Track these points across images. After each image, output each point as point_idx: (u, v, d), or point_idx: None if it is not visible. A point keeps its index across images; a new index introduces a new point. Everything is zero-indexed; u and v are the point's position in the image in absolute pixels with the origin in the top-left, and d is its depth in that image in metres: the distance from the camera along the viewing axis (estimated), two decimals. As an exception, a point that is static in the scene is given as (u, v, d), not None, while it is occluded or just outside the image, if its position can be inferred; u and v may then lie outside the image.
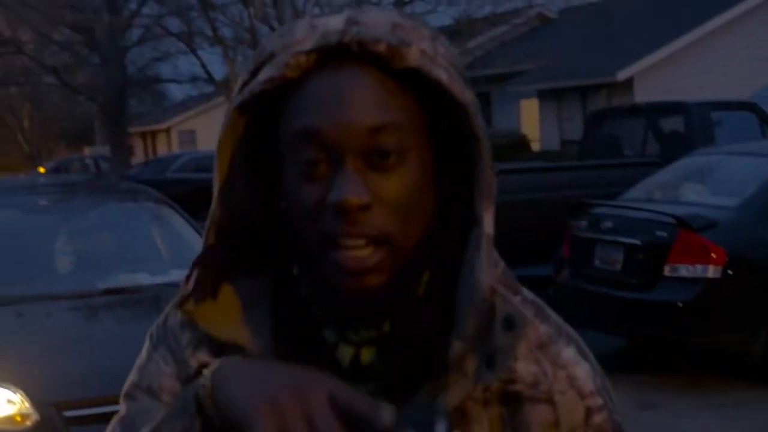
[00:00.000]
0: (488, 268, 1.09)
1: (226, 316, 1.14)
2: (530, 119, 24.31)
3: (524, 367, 1.14)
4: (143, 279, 6.07)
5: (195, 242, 6.61)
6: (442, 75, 1.06)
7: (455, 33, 16.36)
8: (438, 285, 1.13)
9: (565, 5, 21.52)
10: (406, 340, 1.11)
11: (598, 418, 1.17)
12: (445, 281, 1.12)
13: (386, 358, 1.12)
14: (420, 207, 1.08)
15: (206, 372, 1.05)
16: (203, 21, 17.39)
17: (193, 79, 25.39)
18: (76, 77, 25.38)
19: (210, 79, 19.88)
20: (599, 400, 1.17)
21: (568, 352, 1.17)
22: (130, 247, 6.65)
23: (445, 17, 16.70)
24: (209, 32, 16.54)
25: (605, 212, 8.07)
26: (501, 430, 1.13)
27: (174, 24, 19.48)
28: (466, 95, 1.08)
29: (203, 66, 17.12)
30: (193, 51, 17.14)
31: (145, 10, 22.84)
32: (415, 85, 1.07)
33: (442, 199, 1.12)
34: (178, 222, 6.81)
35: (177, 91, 39.13)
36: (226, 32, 16.35)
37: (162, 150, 40.93)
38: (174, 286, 6.05)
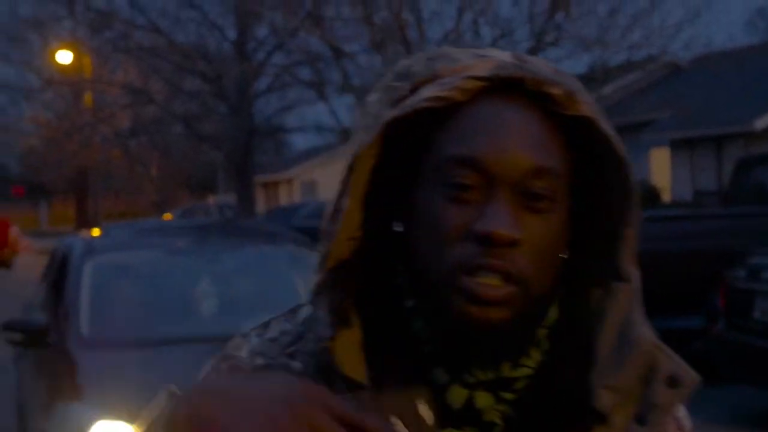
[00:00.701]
0: (645, 323, 1.08)
1: (351, 348, 1.09)
2: (661, 169, 23.79)
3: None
4: None
5: None
6: (609, 128, 1.06)
7: (590, 80, 16.10)
8: (568, 333, 1.12)
9: (696, 54, 21.04)
10: (542, 386, 1.10)
11: None
12: (574, 331, 1.12)
13: (509, 403, 1.09)
14: (555, 257, 1.07)
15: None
16: (332, 69, 17.48)
17: (319, 128, 25.61)
18: (204, 126, 25.81)
19: (338, 128, 19.98)
20: None
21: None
22: (272, 289, 6.61)
23: (579, 63, 16.48)
24: (339, 80, 16.59)
25: (766, 262, 7.68)
26: None
27: (302, 73, 19.69)
28: (622, 148, 1.07)
29: (334, 114, 17.19)
30: (323, 98, 17.18)
31: (274, 59, 23.11)
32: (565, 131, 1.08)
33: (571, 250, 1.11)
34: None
35: (299, 141, 39.58)
36: (355, 80, 16.35)
37: (283, 200, 41.39)
38: None
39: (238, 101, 23.83)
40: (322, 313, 1.09)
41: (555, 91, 1.05)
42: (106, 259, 6.24)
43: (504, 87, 1.06)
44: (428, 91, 1.06)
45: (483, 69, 1.06)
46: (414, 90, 1.08)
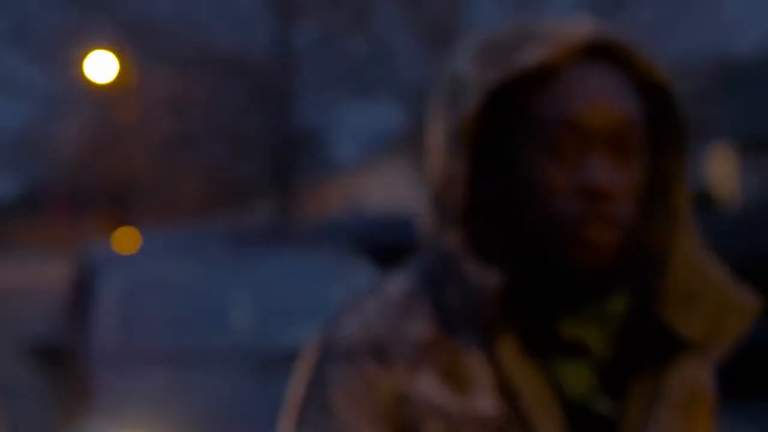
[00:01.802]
0: (711, 258, 1.25)
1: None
2: (722, 172, 23.28)
3: None
4: None
5: None
6: (677, 94, 1.23)
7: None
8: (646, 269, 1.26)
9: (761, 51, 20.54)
10: (633, 321, 1.24)
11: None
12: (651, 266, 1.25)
13: (612, 338, 1.22)
14: (641, 204, 1.21)
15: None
16: (379, 71, 17.24)
17: (364, 134, 25.39)
18: (245, 135, 25.70)
19: (383, 134, 19.70)
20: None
21: None
22: (310, 299, 6.37)
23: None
24: (386, 82, 16.32)
25: None
26: None
27: (347, 75, 19.41)
28: (687, 113, 1.24)
29: (380, 118, 16.90)
30: (369, 102, 16.90)
31: (317, 62, 22.89)
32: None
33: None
34: (363, 274, 6.58)
35: (343, 149, 39.50)
36: (404, 83, 16.08)
37: (327, 209, 41.30)
38: None
39: (279, 108, 23.68)
40: (472, 268, 1.17)
41: (641, 58, 1.21)
42: (132, 269, 5.93)
43: (594, 51, 1.20)
44: (530, 54, 1.17)
45: (579, 35, 1.19)
46: (514, 54, 1.18)
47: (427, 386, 1.20)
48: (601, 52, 1.21)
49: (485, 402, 1.20)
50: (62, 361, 5.33)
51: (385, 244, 17.08)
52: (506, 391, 1.20)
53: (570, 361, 1.22)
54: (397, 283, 1.26)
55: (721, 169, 23.33)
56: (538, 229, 1.19)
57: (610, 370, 1.24)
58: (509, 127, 1.21)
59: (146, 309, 5.66)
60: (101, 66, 34.21)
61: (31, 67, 43.61)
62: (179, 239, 7.19)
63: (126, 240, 6.71)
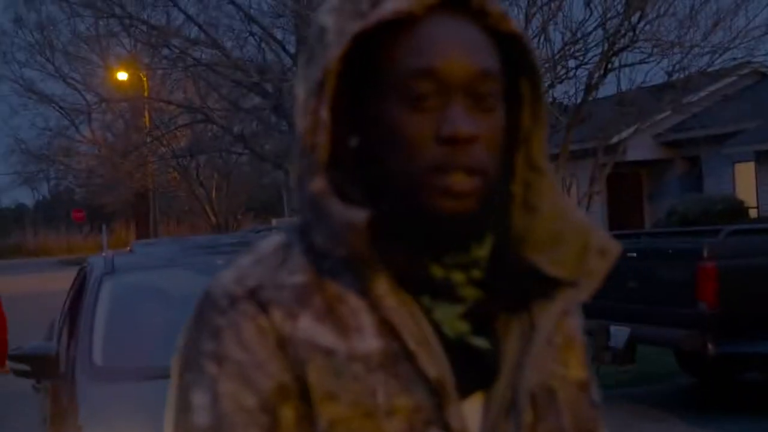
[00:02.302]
0: (574, 206, 1.34)
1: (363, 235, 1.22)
2: (746, 184, 22.91)
3: None
4: None
5: None
6: (530, 44, 1.31)
7: (668, 87, 15.39)
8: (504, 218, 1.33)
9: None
10: (499, 266, 1.29)
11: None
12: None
13: (479, 281, 1.28)
14: (501, 151, 1.27)
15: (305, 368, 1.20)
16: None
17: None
18: (265, 145, 25.55)
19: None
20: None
21: None
22: None
23: (656, 70, 15.76)
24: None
25: None
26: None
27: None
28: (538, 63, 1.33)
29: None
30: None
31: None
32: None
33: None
34: None
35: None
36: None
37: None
38: None
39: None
40: (338, 207, 1.21)
41: (494, 9, 1.26)
42: (128, 280, 5.77)
43: (451, 4, 1.24)
44: (390, 5, 1.22)
45: None
46: (374, 5, 1.23)
47: (309, 328, 1.23)
48: (459, 5, 1.25)
49: (367, 341, 1.23)
50: (48, 375, 5.19)
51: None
52: (386, 330, 1.23)
53: (443, 302, 1.26)
54: (270, 240, 1.33)
55: (745, 180, 23.02)
56: (401, 177, 1.23)
57: (483, 311, 1.29)
58: (372, 79, 1.25)
59: (139, 321, 5.50)
60: (119, 73, 34.30)
61: (55, 77, 43.86)
62: (181, 247, 7.05)
63: (127, 250, 6.57)
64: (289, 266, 1.27)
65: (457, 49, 1.22)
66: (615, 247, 1.31)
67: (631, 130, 15.90)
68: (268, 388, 1.22)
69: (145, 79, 30.48)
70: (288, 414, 1.22)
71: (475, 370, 1.27)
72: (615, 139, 15.96)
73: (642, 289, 9.31)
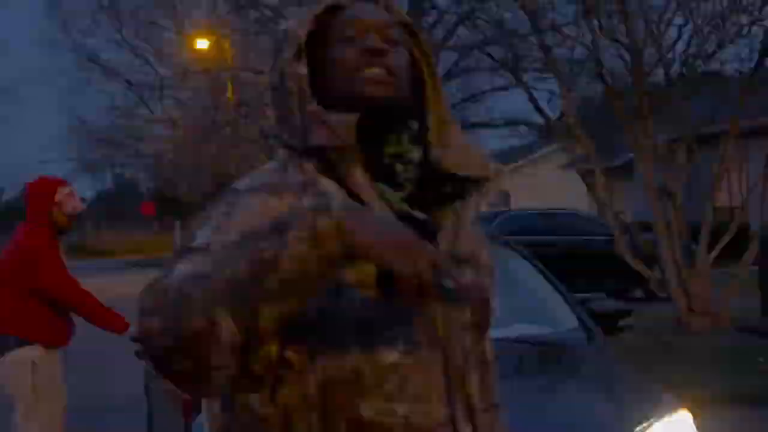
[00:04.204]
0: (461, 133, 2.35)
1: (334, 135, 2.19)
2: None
3: None
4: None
5: (540, 292, 6.53)
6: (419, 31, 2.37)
7: None
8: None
9: None
10: (428, 170, 2.25)
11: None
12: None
13: (408, 173, 2.22)
14: (408, 78, 2.24)
15: (331, 204, 1.90)
16: (530, 46, 17.22)
17: (511, 123, 25.47)
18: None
19: (536, 122, 19.55)
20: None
21: None
22: None
23: None
24: (539, 59, 16.31)
25: None
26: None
27: (493, 52, 19.49)
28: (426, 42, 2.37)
29: (533, 101, 16.98)
30: (519, 83, 16.99)
31: (457, 37, 23.09)
32: None
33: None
34: (520, 267, 6.93)
35: (488, 139, 39.55)
36: (560, 58, 16.03)
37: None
38: (519, 341, 6.00)
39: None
40: (335, 115, 2.16)
41: (391, 4, 2.32)
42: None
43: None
44: (330, 1, 2.29)
45: None
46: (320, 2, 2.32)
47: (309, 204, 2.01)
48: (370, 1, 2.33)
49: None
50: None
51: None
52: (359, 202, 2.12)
53: (389, 188, 2.18)
54: (269, 164, 2.30)
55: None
56: (345, 82, 2.20)
57: (419, 200, 2.21)
58: (324, 40, 2.25)
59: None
60: (199, 42, 34.76)
61: (122, 47, 44.57)
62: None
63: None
64: (290, 171, 2.19)
65: (370, 11, 2.26)
66: (493, 166, 2.30)
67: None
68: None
69: (228, 47, 30.92)
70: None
71: (420, 236, 1.98)
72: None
73: None
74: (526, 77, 17.95)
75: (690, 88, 15.30)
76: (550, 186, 41.02)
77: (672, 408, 5.28)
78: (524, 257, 7.08)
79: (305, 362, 2.04)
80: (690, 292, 14.50)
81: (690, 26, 14.90)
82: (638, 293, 20.61)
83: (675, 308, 14.78)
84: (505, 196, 41.53)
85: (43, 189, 7.06)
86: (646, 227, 16.60)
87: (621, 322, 6.55)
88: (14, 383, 6.96)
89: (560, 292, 6.65)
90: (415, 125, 2.24)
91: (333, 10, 2.27)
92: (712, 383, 10.51)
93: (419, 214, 2.17)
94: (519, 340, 6.07)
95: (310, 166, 2.16)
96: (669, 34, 15.36)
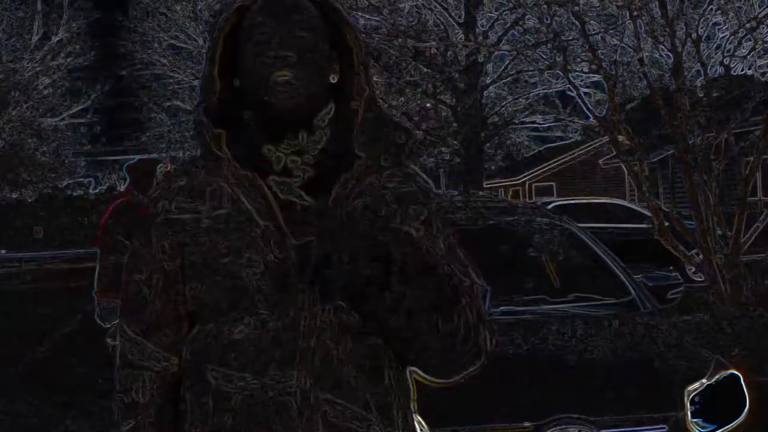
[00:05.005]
0: (384, 111, 2.34)
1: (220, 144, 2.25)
2: None
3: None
4: (542, 303, 6.27)
5: (597, 266, 6.54)
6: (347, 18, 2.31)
7: None
8: (339, 126, 2.27)
9: None
10: (328, 154, 2.22)
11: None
12: (343, 126, 2.28)
13: (305, 163, 2.21)
14: (322, 71, 2.23)
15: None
16: (576, 49, 17.18)
17: (559, 120, 25.36)
18: (429, 121, 25.86)
19: (580, 119, 19.48)
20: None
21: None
22: (524, 266, 6.78)
23: None
24: (587, 59, 16.28)
25: None
26: None
27: (541, 54, 19.40)
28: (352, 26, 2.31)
29: (580, 97, 16.90)
30: (566, 80, 16.91)
31: (507, 41, 23.00)
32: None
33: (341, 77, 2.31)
34: (579, 243, 7.00)
35: (534, 138, 39.45)
36: (604, 58, 15.99)
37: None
38: (578, 310, 6.02)
39: (467, 90, 23.86)
40: (206, 133, 2.25)
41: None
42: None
43: None
44: (237, 5, 2.27)
45: None
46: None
47: (186, 205, 2.25)
48: None
49: (223, 207, 2.22)
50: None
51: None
52: (235, 199, 2.22)
53: (283, 178, 2.20)
54: (162, 172, 2.92)
55: None
56: (253, 87, 2.20)
57: (317, 185, 2.20)
58: (235, 43, 2.25)
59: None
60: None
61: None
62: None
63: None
64: (176, 177, 2.28)
65: (279, 10, 2.21)
66: (415, 133, 2.33)
67: None
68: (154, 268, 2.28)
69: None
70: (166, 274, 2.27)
71: (305, 221, 2.16)
72: None
73: None
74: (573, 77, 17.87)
75: (725, 89, 15.20)
76: (592, 179, 40.87)
77: (722, 369, 5.29)
78: (584, 234, 7.09)
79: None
80: (725, 277, 14.44)
81: (727, 27, 14.79)
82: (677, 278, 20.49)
83: (711, 292, 14.72)
84: (546, 191, 41.44)
85: (144, 169, 7.18)
86: (685, 216, 16.58)
87: (671, 294, 6.55)
88: None
89: (616, 265, 6.65)
90: (325, 116, 2.24)
91: (243, 11, 2.26)
92: (748, 358, 10.45)
93: (305, 201, 2.18)
94: (578, 311, 6.10)
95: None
96: (709, 36, 15.22)
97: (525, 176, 43.50)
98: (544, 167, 43.07)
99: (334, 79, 2.27)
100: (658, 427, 4.79)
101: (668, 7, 14.51)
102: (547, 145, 41.29)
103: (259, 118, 2.23)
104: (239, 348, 2.13)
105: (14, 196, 42.31)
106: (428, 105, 25.45)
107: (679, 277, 7.03)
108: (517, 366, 5.26)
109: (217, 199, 2.21)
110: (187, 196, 2.24)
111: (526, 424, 4.77)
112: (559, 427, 4.72)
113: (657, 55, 15.44)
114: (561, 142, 38.24)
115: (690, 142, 14.82)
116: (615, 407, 4.89)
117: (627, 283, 6.45)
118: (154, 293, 2.26)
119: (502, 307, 5.82)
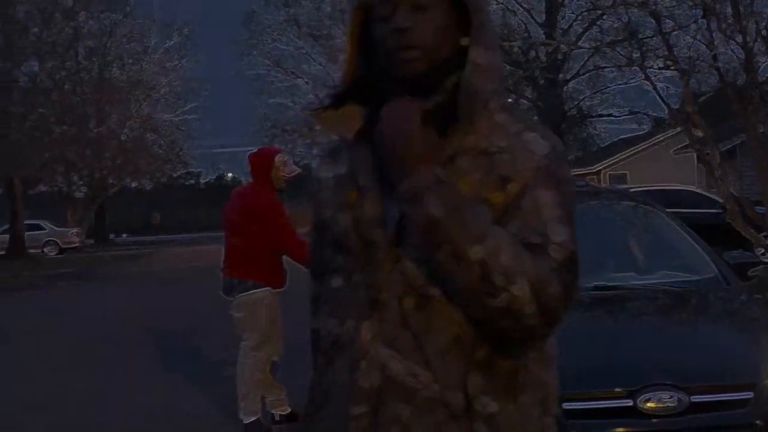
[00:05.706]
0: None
1: (343, 121, 2.21)
2: None
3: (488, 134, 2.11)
4: (631, 279, 6.20)
5: (682, 245, 6.49)
6: None
7: None
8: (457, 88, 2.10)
9: None
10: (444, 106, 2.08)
11: (544, 170, 2.04)
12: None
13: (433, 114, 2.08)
14: (445, 38, 2.09)
15: None
16: (653, 46, 16.98)
17: (634, 113, 25.11)
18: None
19: (656, 112, 19.28)
20: (545, 161, 2.05)
21: (528, 135, 2.09)
22: (617, 246, 6.67)
23: None
24: (662, 54, 16.08)
25: None
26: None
27: (619, 50, 19.20)
28: None
29: (657, 93, 16.75)
30: (643, 74, 16.76)
31: (586, 38, 22.80)
32: None
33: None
34: (664, 224, 6.91)
35: (610, 130, 39.05)
36: (681, 55, 15.81)
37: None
38: (665, 287, 6.00)
39: (548, 86, 23.74)
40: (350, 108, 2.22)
41: None
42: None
43: None
44: None
45: None
46: None
47: (324, 170, 2.32)
48: None
49: (342, 170, 2.24)
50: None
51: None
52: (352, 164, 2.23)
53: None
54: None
55: None
56: (385, 61, 2.12)
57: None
58: (369, 23, 2.18)
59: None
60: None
61: (302, 54, 45.17)
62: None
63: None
64: (327, 152, 2.32)
65: None
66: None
67: None
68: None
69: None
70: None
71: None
72: None
73: None
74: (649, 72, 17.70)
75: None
76: (662, 168, 40.37)
77: None
78: (667, 216, 7.03)
79: None
80: (794, 257, 14.26)
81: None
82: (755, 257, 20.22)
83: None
84: (621, 179, 41.03)
85: (264, 158, 7.24)
86: (755, 202, 16.38)
87: (751, 272, 6.48)
88: (249, 320, 7.15)
89: (699, 245, 6.61)
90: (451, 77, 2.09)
91: None
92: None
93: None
94: (665, 286, 6.08)
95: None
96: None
97: (600, 165, 43.13)
98: (618, 157, 42.69)
99: (464, 41, 2.10)
100: (745, 393, 4.76)
101: (740, 7, 14.29)
102: (621, 137, 40.92)
103: (389, 80, 2.12)
104: (334, 297, 2.20)
105: (134, 185, 42.95)
106: (509, 100, 25.33)
107: (757, 257, 6.96)
108: (612, 335, 5.27)
109: (342, 161, 2.23)
110: (328, 159, 2.29)
111: (619, 389, 4.77)
112: (651, 393, 4.72)
113: (729, 51, 15.22)
114: (632, 134, 37.84)
115: (760, 131, 14.62)
116: (704, 375, 4.88)
117: (710, 260, 6.41)
118: (314, 244, 2.33)
119: (594, 283, 5.82)
